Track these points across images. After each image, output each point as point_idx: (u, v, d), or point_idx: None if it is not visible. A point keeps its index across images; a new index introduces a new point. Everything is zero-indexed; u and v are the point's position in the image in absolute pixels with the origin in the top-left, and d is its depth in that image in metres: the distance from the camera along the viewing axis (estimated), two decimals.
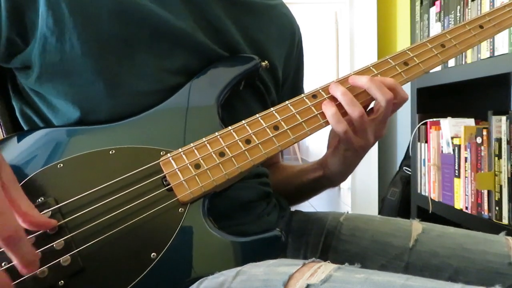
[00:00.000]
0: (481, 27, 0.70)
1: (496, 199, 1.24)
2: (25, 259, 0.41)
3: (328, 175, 0.72)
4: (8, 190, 0.42)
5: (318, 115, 0.60)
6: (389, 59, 0.65)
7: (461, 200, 1.40)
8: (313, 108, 0.61)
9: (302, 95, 0.61)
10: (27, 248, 0.41)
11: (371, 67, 0.64)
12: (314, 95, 0.62)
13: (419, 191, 1.68)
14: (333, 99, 0.61)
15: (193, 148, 0.55)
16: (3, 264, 0.46)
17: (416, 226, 0.71)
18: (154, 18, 0.59)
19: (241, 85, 0.65)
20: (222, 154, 0.56)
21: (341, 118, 0.59)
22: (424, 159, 1.64)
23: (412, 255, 0.67)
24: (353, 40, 2.27)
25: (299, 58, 0.81)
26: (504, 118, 1.21)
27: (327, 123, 0.61)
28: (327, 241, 0.73)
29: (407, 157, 1.89)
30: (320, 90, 0.62)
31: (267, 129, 0.58)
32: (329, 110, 0.60)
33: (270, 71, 0.71)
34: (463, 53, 1.42)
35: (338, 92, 0.60)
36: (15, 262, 0.41)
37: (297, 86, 0.82)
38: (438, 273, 0.64)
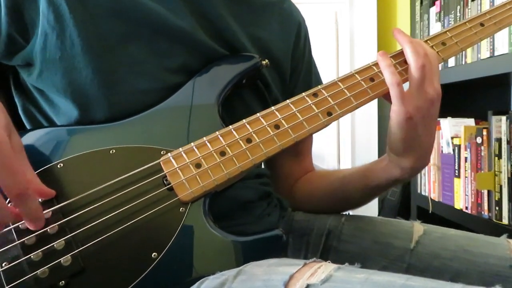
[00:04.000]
0: (482, 24, 0.70)
1: (496, 199, 1.24)
2: (33, 215, 0.45)
3: (394, 161, 0.64)
4: (16, 156, 0.44)
5: (319, 113, 0.60)
6: (391, 58, 0.65)
7: (461, 200, 1.40)
8: (313, 106, 0.60)
9: (303, 93, 0.61)
10: (34, 205, 0.45)
11: (372, 66, 0.64)
12: (314, 94, 0.62)
13: (419, 191, 1.68)
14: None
15: (194, 147, 0.55)
16: (3, 265, 0.46)
17: (417, 227, 0.71)
18: (153, 17, 0.60)
19: (242, 84, 0.65)
20: (222, 153, 0.56)
21: (395, 70, 0.59)
22: None
23: (413, 256, 0.67)
24: (353, 40, 2.27)
25: (308, 51, 0.81)
26: (504, 118, 1.21)
27: (328, 122, 0.60)
28: (328, 241, 0.73)
29: None
30: (321, 89, 0.62)
31: (268, 128, 0.58)
32: (384, 61, 0.60)
33: (274, 68, 0.70)
34: (463, 53, 1.42)
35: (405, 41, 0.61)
36: (24, 218, 0.45)
37: (309, 80, 0.80)
38: (439, 274, 0.64)
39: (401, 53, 0.63)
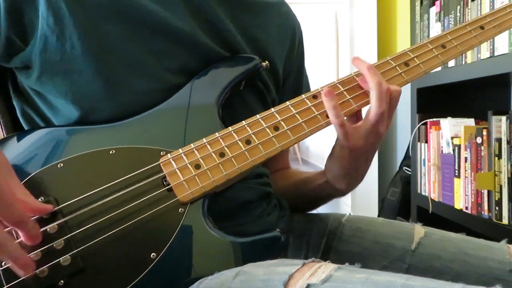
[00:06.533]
0: (482, 28, 0.70)
1: (496, 199, 1.24)
2: (31, 235, 0.46)
3: (330, 181, 0.69)
4: (7, 182, 0.44)
5: (318, 115, 0.60)
6: (389, 60, 0.65)
7: (461, 200, 1.40)
8: (313, 108, 0.61)
9: (303, 95, 0.61)
10: (31, 226, 0.46)
11: None
12: (314, 96, 0.62)
13: (419, 191, 1.68)
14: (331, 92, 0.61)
15: (193, 148, 0.55)
16: (3, 264, 0.46)
17: (419, 229, 0.71)
18: (153, 17, 0.60)
19: (242, 85, 0.65)
20: (222, 154, 0.56)
21: (340, 112, 0.59)
22: (424, 159, 1.64)
23: (414, 257, 0.67)
24: (353, 40, 2.27)
25: (301, 56, 0.81)
26: (504, 118, 1.21)
27: (327, 123, 0.60)
28: (328, 241, 0.73)
29: (407, 157, 1.89)
30: (321, 91, 0.62)
31: (267, 130, 0.58)
32: (329, 102, 0.59)
33: (270, 70, 0.71)
34: (463, 53, 1.42)
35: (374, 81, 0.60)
36: (23, 238, 0.46)
37: (299, 84, 0.81)
38: (439, 276, 0.64)
39: (349, 80, 0.64)
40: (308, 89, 0.82)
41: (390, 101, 0.61)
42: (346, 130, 0.59)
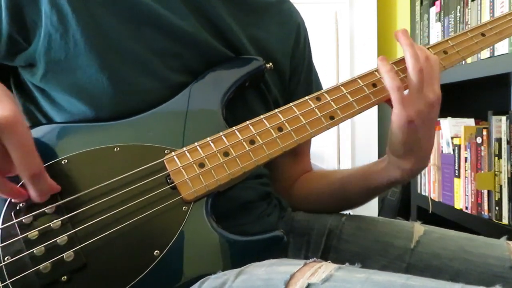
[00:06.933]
0: (483, 35, 0.71)
1: (496, 199, 1.24)
2: (43, 192, 0.48)
3: (394, 163, 0.65)
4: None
5: (321, 117, 0.60)
6: (391, 64, 0.65)
7: (461, 200, 1.41)
8: (316, 110, 0.61)
9: (306, 97, 0.62)
10: (45, 184, 0.48)
11: (374, 71, 0.64)
12: (318, 98, 0.62)
13: (419, 191, 1.69)
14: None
15: (197, 147, 0.56)
16: (6, 259, 0.47)
17: (418, 228, 0.71)
18: (155, 16, 0.60)
19: (245, 86, 0.65)
20: (226, 153, 0.56)
21: (396, 75, 0.59)
22: None
23: (413, 256, 0.67)
24: (353, 40, 2.27)
25: (308, 52, 0.81)
26: (504, 118, 1.22)
27: (330, 125, 0.61)
28: (328, 240, 0.73)
29: None
30: (324, 93, 0.62)
31: (271, 130, 0.58)
32: (384, 66, 0.59)
33: (274, 69, 0.71)
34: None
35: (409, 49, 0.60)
36: (33, 197, 0.48)
37: (310, 80, 0.81)
38: (439, 274, 0.64)
39: (403, 60, 0.63)
40: (318, 85, 0.82)
41: (431, 66, 0.60)
42: (402, 94, 0.58)
